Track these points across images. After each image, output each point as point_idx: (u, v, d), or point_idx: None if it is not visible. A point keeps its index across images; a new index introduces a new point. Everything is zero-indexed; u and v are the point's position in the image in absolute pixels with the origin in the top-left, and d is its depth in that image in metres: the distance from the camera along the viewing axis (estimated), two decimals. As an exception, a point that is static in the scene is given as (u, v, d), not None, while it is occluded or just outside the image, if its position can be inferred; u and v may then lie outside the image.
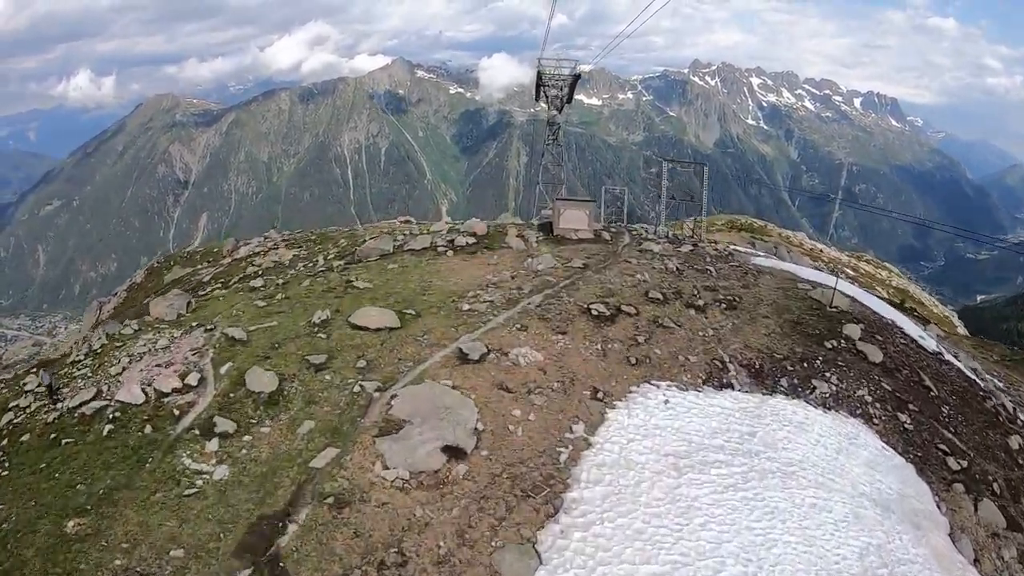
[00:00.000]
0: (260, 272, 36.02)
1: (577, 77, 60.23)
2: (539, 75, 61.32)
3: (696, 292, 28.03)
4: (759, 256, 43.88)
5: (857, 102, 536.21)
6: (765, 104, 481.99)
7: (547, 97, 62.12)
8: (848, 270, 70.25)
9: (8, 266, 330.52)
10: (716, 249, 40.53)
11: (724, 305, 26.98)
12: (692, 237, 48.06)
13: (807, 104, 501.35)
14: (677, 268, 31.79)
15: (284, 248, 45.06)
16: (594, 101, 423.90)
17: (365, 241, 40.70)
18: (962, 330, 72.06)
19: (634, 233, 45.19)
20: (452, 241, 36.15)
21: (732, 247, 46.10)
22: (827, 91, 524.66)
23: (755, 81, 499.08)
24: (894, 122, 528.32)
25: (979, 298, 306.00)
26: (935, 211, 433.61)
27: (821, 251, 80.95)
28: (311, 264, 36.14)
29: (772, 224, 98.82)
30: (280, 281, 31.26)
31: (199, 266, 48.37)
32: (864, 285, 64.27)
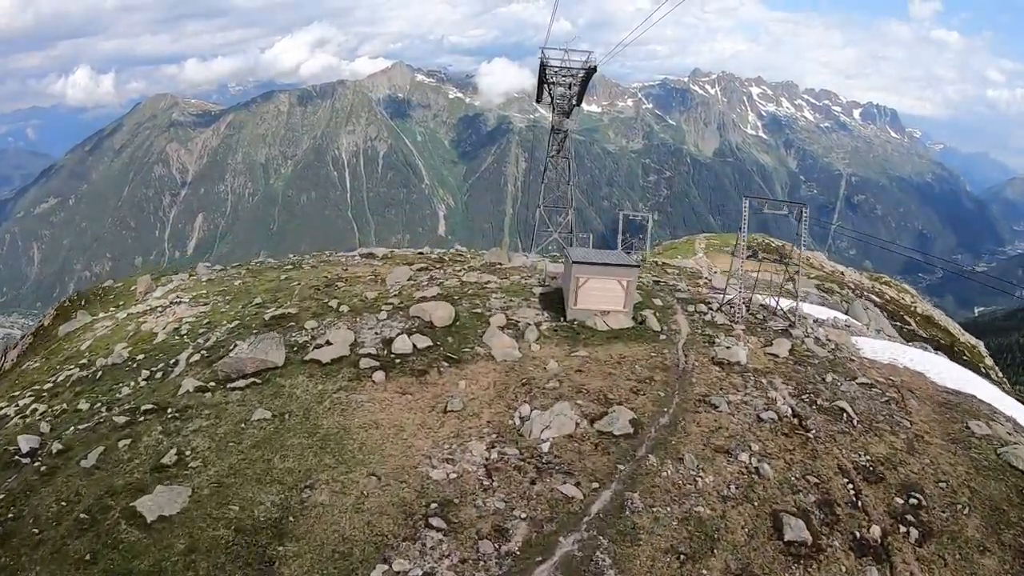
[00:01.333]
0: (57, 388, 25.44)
1: (591, 71, 50.76)
2: (542, 68, 51.63)
3: (853, 495, 15.24)
4: (854, 331, 32.32)
5: (856, 113, 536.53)
6: (765, 114, 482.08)
7: (551, 96, 53.30)
8: (874, 296, 66.07)
9: (3, 263, 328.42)
10: (817, 338, 27.49)
11: (914, 533, 14.31)
12: (785, 312, 32.82)
13: (806, 114, 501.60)
14: (793, 412, 18.85)
15: (187, 305, 35.87)
16: (594, 108, 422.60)
17: (296, 287, 34.89)
18: (989, 360, 67.22)
19: (691, 311, 30.37)
20: (390, 344, 22.95)
21: (831, 328, 32.16)
22: (826, 101, 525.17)
23: (755, 91, 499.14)
24: (893, 133, 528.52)
25: (977, 310, 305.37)
26: (935, 223, 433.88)
27: (842, 274, 76.30)
28: (157, 373, 23.77)
29: (788, 243, 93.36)
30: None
31: (99, 316, 40.07)
32: (893, 314, 60.18)
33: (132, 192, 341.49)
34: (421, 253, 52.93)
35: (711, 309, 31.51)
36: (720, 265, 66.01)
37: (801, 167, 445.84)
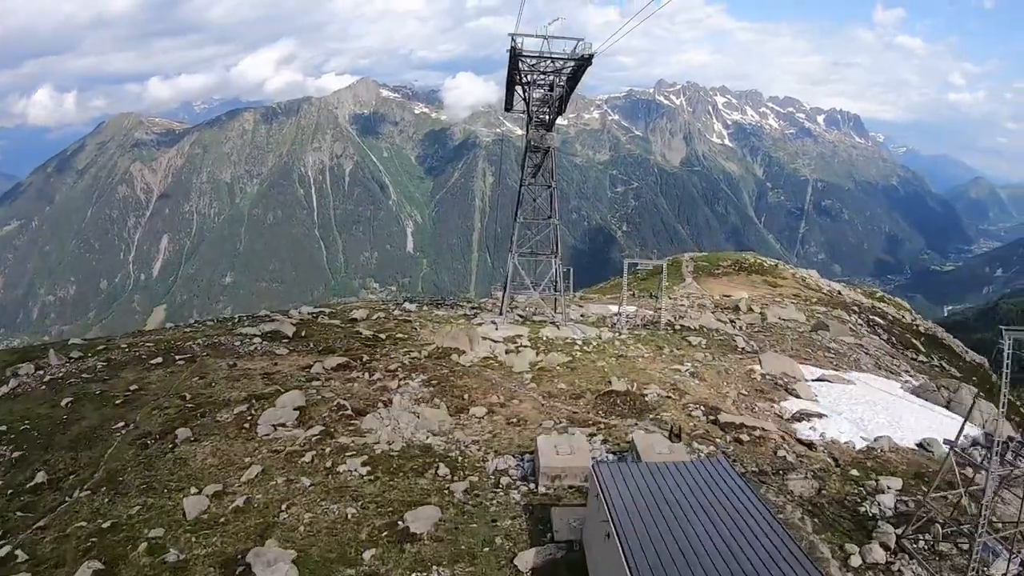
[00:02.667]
0: None
1: (585, 63, 35.95)
2: (513, 60, 36.59)
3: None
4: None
5: (820, 119, 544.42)
6: (730, 123, 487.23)
7: (527, 101, 39.32)
8: (877, 317, 61.51)
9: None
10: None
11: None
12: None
13: (771, 122, 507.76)
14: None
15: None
16: (560, 120, 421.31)
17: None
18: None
19: None
20: None
21: None
22: (790, 109, 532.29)
23: (720, 100, 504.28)
24: (857, 138, 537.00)
25: (946, 310, 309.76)
26: (901, 225, 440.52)
27: (839, 292, 71.26)
28: None
29: (781, 262, 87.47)
30: None
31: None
32: (900, 337, 56.46)
33: (96, 213, 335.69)
34: (353, 321, 42.25)
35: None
36: (723, 292, 59.65)
37: (768, 174, 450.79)
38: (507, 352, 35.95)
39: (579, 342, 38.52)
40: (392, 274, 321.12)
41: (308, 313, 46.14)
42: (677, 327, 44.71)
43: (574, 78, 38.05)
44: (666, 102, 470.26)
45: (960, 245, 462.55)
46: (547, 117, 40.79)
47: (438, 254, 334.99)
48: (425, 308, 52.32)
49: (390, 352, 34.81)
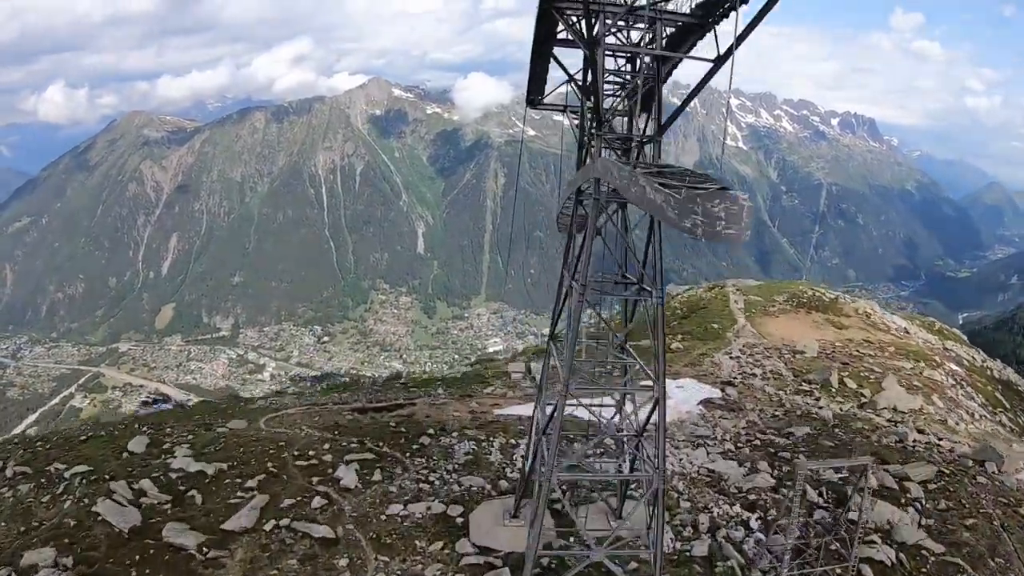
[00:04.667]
0: None
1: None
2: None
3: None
4: None
5: (835, 122, 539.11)
6: (744, 125, 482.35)
7: (594, 88, 15.13)
8: (955, 366, 50.75)
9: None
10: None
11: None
12: None
13: (785, 125, 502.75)
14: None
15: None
16: (568, 123, 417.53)
17: None
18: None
19: None
20: None
21: None
22: (805, 112, 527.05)
23: (734, 102, 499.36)
24: (872, 142, 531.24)
25: (961, 317, 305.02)
26: (917, 230, 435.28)
27: (906, 331, 60.43)
28: None
29: (839, 293, 77.07)
30: None
31: None
32: (982, 390, 47.16)
33: (106, 211, 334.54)
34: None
35: None
36: (785, 337, 48.98)
37: (782, 178, 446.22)
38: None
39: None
40: (402, 275, 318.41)
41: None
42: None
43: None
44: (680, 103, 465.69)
45: (975, 251, 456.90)
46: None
47: (449, 255, 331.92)
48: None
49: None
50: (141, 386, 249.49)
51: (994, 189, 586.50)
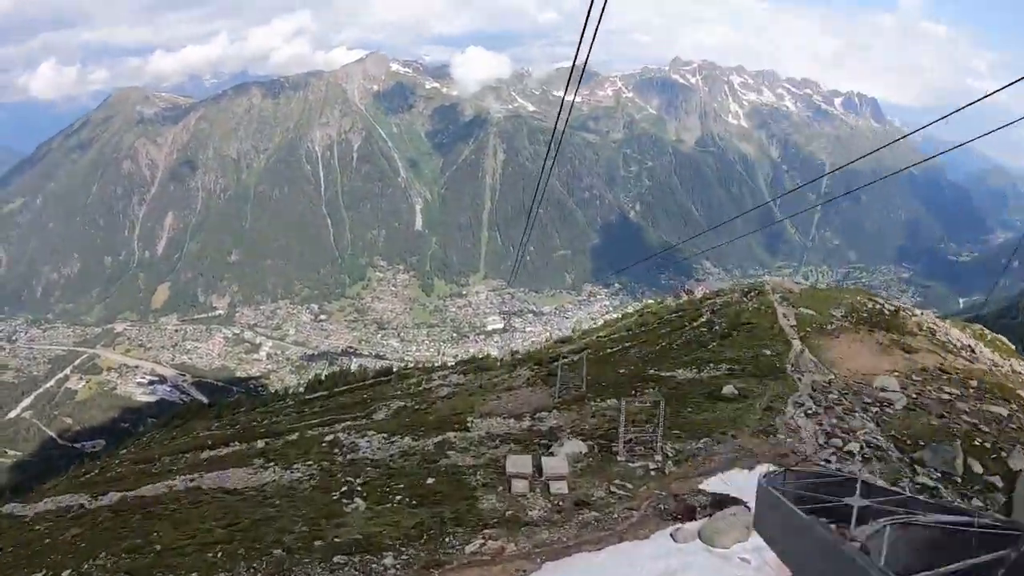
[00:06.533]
0: None
1: None
2: None
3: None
4: None
5: (838, 102, 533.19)
6: (746, 103, 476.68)
7: None
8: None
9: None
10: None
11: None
12: None
13: (787, 103, 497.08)
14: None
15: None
16: (572, 98, 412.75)
17: None
18: None
19: None
20: None
21: None
22: (807, 90, 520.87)
23: (736, 79, 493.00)
24: (874, 123, 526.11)
25: (961, 301, 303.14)
26: (919, 212, 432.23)
27: (959, 348, 52.40)
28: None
29: (900, 303, 69.93)
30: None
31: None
32: None
33: (100, 190, 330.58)
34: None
35: None
36: (852, 367, 39.55)
37: (783, 157, 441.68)
38: None
39: None
40: (400, 252, 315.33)
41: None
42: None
43: None
44: (682, 81, 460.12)
45: (977, 234, 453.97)
46: None
47: (447, 232, 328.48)
48: None
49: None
50: (137, 367, 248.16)
51: (997, 173, 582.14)
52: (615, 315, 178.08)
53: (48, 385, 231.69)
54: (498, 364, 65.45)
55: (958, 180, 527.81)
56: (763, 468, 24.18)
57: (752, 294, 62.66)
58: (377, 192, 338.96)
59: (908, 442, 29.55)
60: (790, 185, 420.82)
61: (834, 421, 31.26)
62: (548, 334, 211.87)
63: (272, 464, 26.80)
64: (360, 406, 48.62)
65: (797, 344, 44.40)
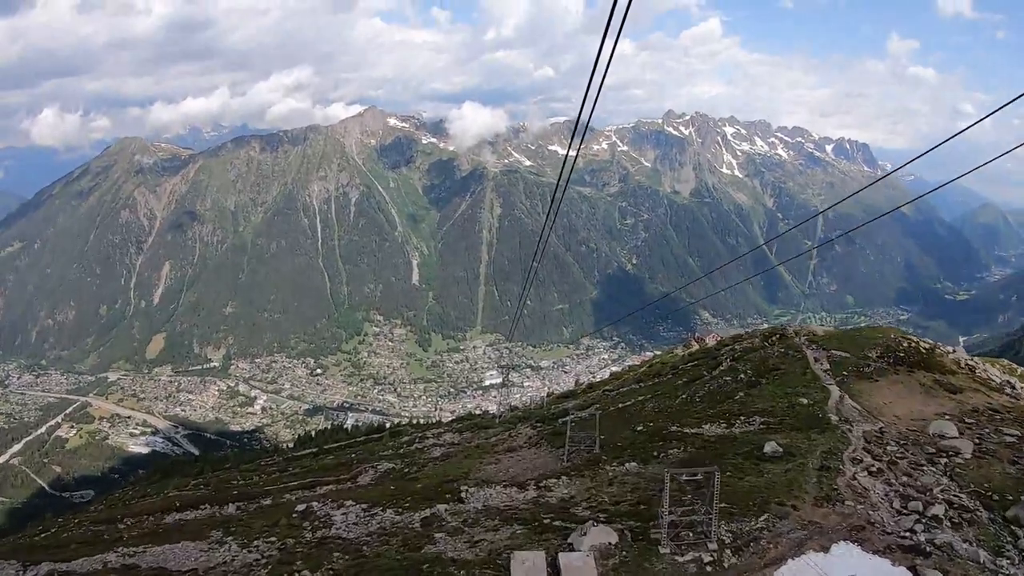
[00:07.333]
0: None
1: None
2: None
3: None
4: None
5: (829, 148, 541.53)
6: (740, 153, 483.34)
7: None
8: None
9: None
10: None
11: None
12: None
13: (780, 152, 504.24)
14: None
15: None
16: (574, 156, 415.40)
17: None
18: None
19: None
20: None
21: None
22: (799, 138, 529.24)
23: (729, 130, 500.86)
24: (866, 167, 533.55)
25: (963, 340, 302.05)
26: (914, 253, 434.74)
27: (1014, 387, 50.41)
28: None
29: (933, 341, 65.79)
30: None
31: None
32: None
33: (98, 237, 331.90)
34: None
35: None
36: (897, 413, 36.64)
37: (778, 205, 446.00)
38: None
39: None
40: (397, 307, 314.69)
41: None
42: None
43: None
44: (675, 133, 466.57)
45: (973, 272, 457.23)
46: None
47: (444, 287, 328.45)
48: None
49: None
50: (129, 417, 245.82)
51: (987, 210, 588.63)
52: (615, 368, 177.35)
53: (39, 432, 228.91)
54: (497, 422, 62.55)
55: (950, 220, 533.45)
56: (840, 548, 19.92)
57: (774, 338, 58.86)
58: (374, 246, 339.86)
59: (994, 497, 25.51)
60: (786, 233, 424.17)
61: (904, 479, 26.76)
62: (548, 388, 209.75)
63: (230, 539, 23.90)
64: (346, 467, 46.99)
65: (835, 390, 40.50)
